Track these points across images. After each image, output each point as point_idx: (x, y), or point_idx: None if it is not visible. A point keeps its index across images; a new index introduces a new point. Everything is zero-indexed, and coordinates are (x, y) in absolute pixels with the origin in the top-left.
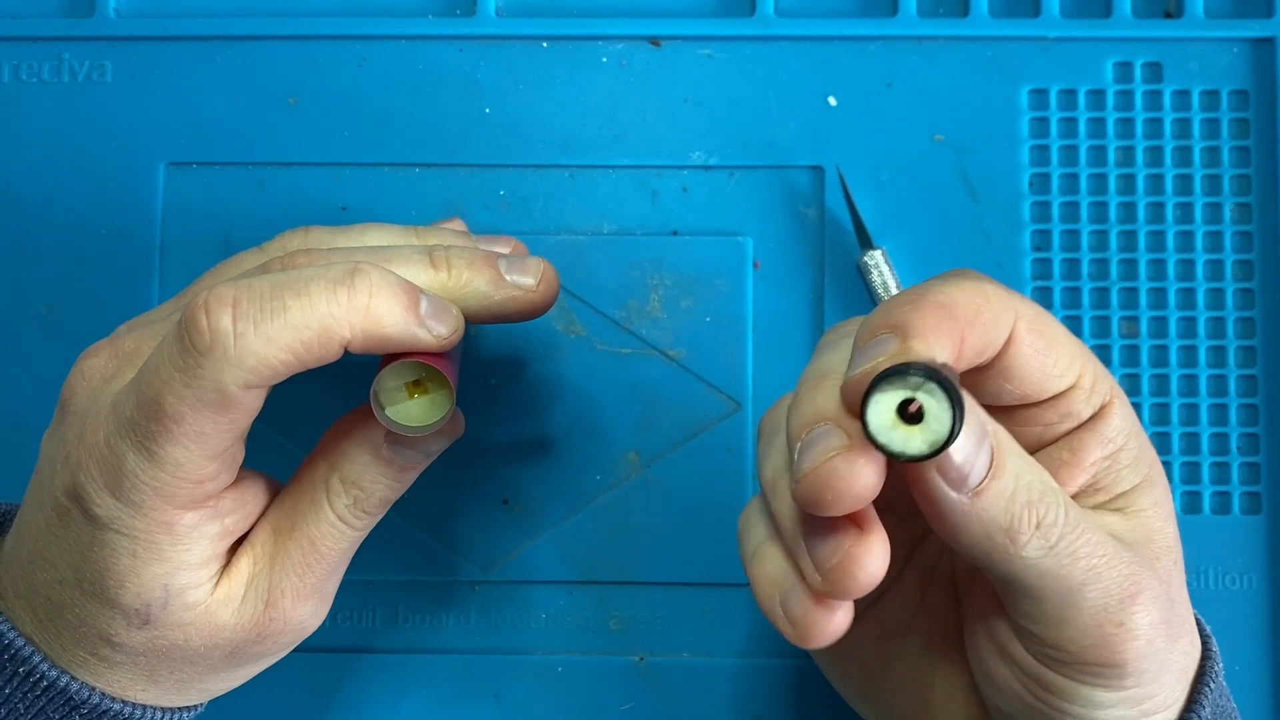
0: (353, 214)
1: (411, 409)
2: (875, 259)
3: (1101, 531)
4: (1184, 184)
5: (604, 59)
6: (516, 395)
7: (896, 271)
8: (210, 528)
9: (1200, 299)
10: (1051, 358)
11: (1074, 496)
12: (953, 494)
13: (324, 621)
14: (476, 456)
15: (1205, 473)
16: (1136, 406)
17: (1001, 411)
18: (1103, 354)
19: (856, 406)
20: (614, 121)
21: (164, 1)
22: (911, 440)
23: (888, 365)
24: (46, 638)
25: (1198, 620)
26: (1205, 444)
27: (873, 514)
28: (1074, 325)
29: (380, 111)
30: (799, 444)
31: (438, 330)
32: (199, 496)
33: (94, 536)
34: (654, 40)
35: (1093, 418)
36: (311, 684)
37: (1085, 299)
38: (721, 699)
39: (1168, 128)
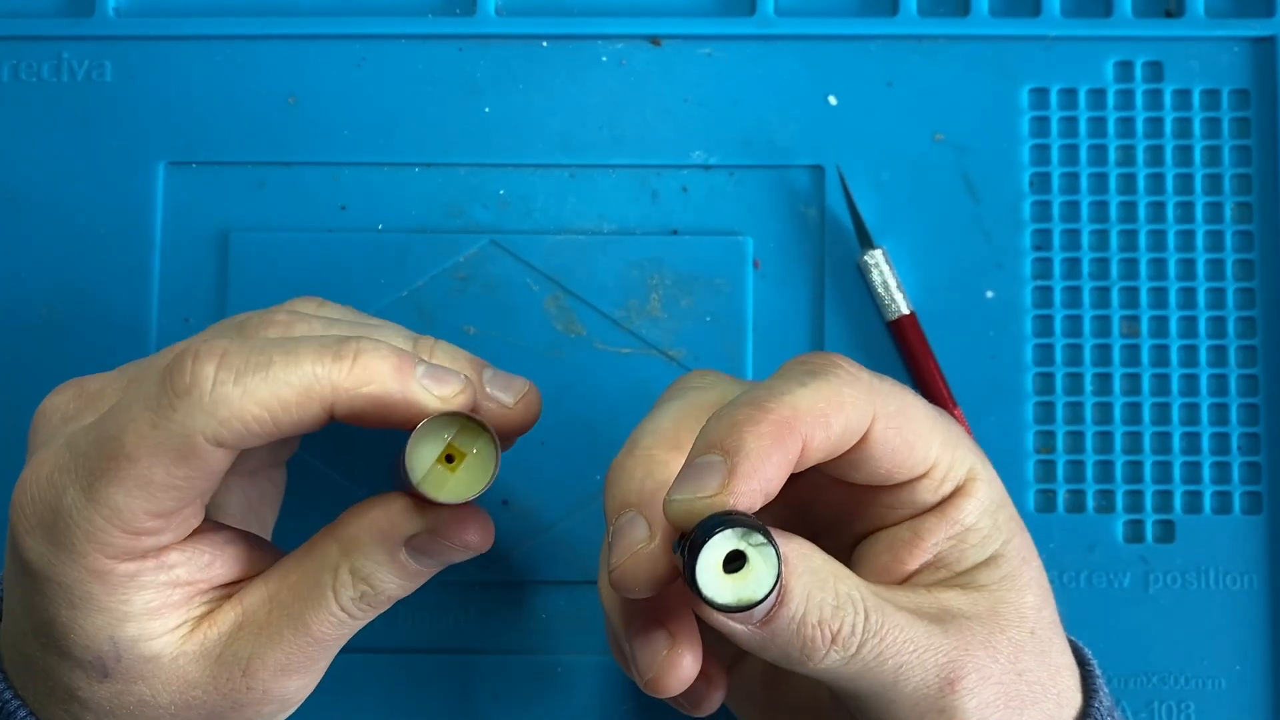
0: (352, 214)
1: (443, 480)
2: (875, 258)
3: (914, 625)
4: (1184, 183)
5: (604, 58)
6: None
7: (897, 271)
8: (152, 578)
9: (1201, 298)
10: (903, 454)
11: (913, 575)
12: (740, 627)
13: None
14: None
15: (1206, 472)
16: (1137, 406)
17: (841, 486)
18: (1103, 353)
19: (679, 525)
20: (614, 121)
21: (164, 1)
22: (723, 589)
23: (709, 512)
24: (26, 694)
25: (1086, 665)
26: (1206, 443)
27: (687, 619)
28: (1074, 325)
29: (380, 111)
30: (611, 528)
31: (439, 391)
32: (134, 550)
33: (33, 586)
34: (654, 40)
35: (942, 502)
36: None
37: (1086, 298)
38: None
39: (1168, 127)
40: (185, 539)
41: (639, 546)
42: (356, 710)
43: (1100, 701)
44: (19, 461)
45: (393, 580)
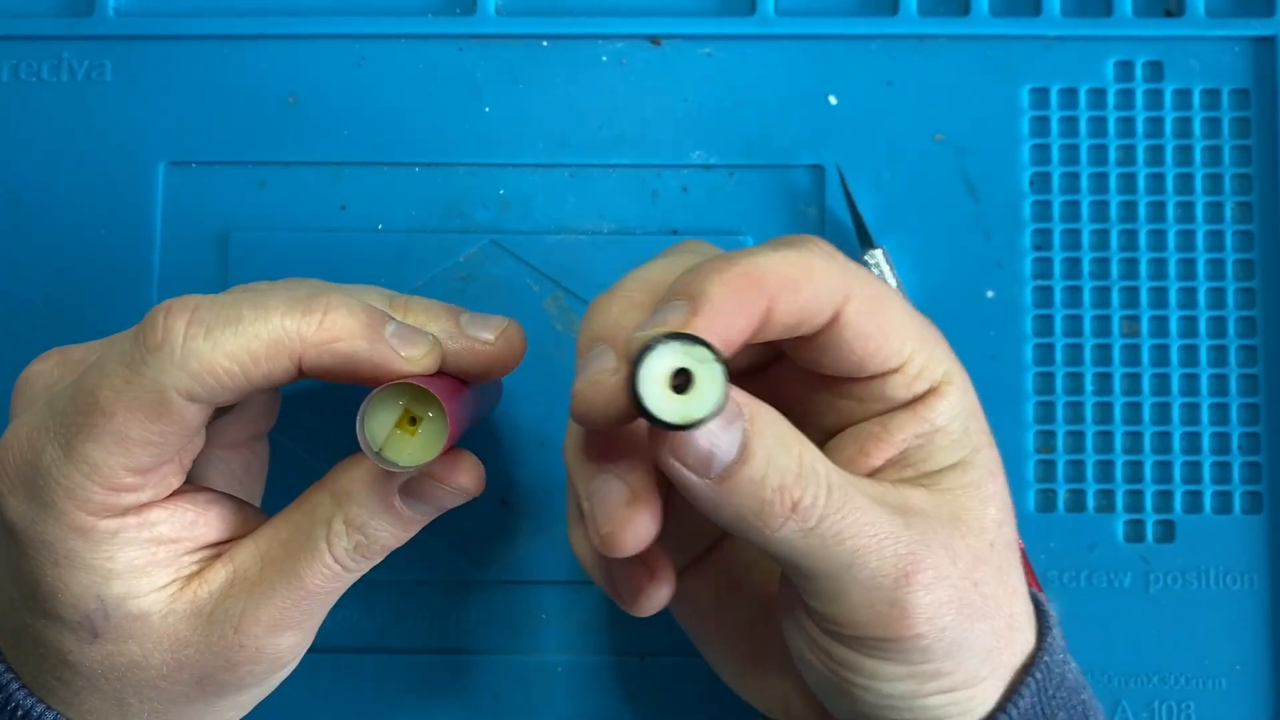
0: (352, 213)
1: (404, 444)
2: (876, 258)
3: (876, 510)
4: (1185, 183)
5: (604, 58)
6: (516, 395)
7: (897, 270)
8: (135, 535)
9: (1201, 298)
10: (876, 342)
11: (879, 469)
12: (695, 478)
13: (323, 622)
14: (476, 456)
15: (1206, 472)
16: (1137, 406)
17: (812, 378)
18: (1104, 353)
19: (633, 357)
20: (614, 121)
21: (163, 1)
22: (668, 406)
23: (661, 332)
24: (18, 665)
25: (1041, 607)
26: (1206, 443)
27: (648, 480)
28: (1075, 324)
29: (380, 111)
30: (580, 360)
31: (406, 352)
32: (114, 506)
33: (17, 548)
34: (654, 39)
35: (914, 400)
36: (311, 684)
37: (1086, 298)
38: (721, 699)
39: (1168, 127)
40: (167, 498)
41: (602, 376)
42: (356, 710)
43: (1052, 640)
44: None
45: (386, 529)
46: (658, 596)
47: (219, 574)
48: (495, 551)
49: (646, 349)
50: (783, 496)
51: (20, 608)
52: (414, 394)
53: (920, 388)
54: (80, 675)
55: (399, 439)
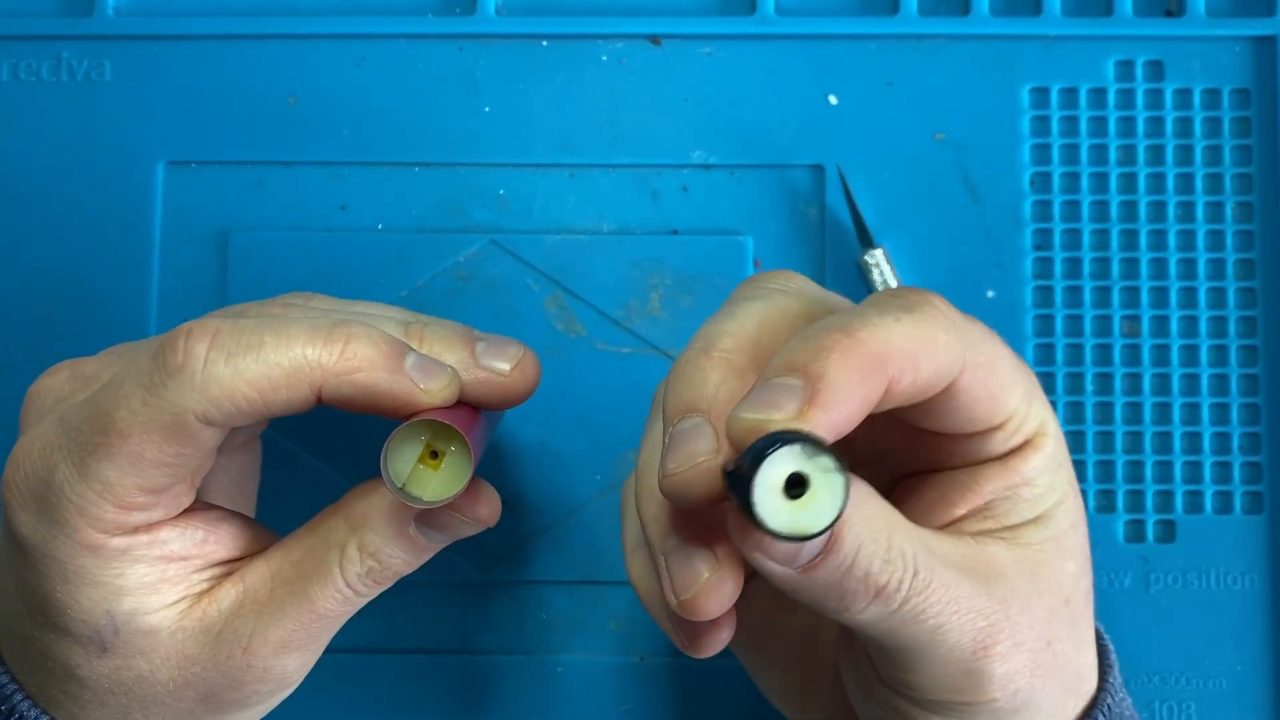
0: (352, 213)
1: (427, 479)
2: (876, 258)
3: (959, 584)
4: (1185, 183)
5: (603, 58)
6: None
7: (897, 270)
8: (147, 552)
9: (1202, 298)
10: (986, 406)
11: (961, 518)
12: (778, 567)
13: None
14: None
15: (1207, 472)
16: (1137, 406)
17: (902, 424)
18: (1104, 353)
19: (741, 444)
20: (614, 121)
21: (163, 1)
22: (780, 515)
23: (779, 429)
24: (24, 676)
25: (1102, 643)
26: (1207, 443)
27: (731, 543)
28: (1075, 324)
29: (380, 111)
30: (669, 431)
31: (426, 385)
32: (125, 525)
33: (26, 562)
34: (654, 39)
35: (1007, 453)
36: (311, 684)
37: (1087, 298)
38: (721, 699)
39: (1169, 126)
40: (177, 516)
41: (701, 459)
42: (356, 710)
43: (1113, 680)
44: None
45: (400, 556)
46: (718, 639)
47: (229, 593)
48: (495, 551)
49: (764, 452)
50: (868, 584)
51: (28, 620)
52: (436, 429)
53: (1016, 441)
54: (87, 689)
55: (422, 474)
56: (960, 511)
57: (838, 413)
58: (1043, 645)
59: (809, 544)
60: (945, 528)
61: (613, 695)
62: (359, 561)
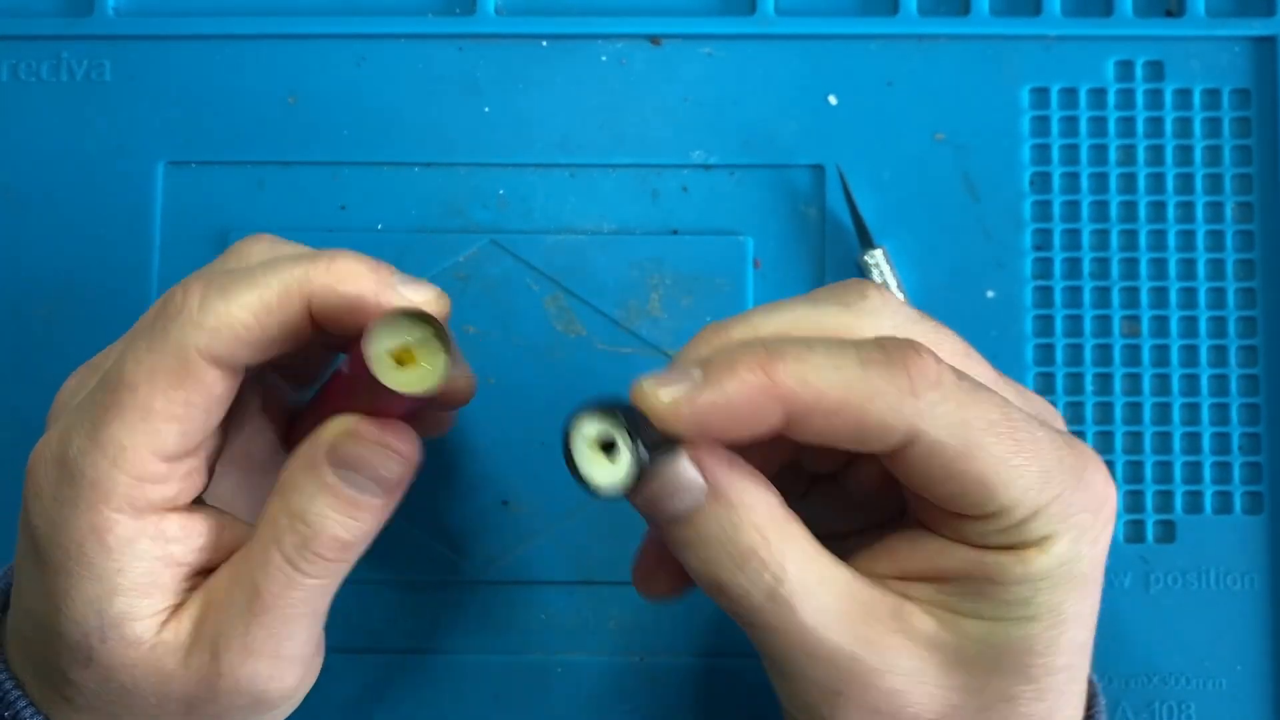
0: (352, 213)
1: (404, 376)
2: (876, 258)
3: (822, 628)
4: (1185, 183)
5: (604, 58)
6: (516, 395)
7: (897, 270)
8: (149, 548)
9: (1202, 298)
10: (950, 487)
11: (906, 578)
12: (654, 522)
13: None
14: (476, 456)
15: (1207, 472)
16: (1137, 406)
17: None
18: (1104, 353)
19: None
20: (614, 121)
21: (164, 1)
22: (588, 465)
23: (654, 412)
24: (26, 677)
25: (1093, 687)
26: (1207, 443)
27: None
28: (1075, 325)
29: (380, 111)
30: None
31: (413, 296)
32: (138, 501)
33: (35, 555)
34: (654, 39)
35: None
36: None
37: (1086, 298)
38: (721, 699)
39: (1169, 126)
40: (186, 508)
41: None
42: (356, 710)
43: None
44: (21, 460)
45: (329, 513)
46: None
47: (197, 601)
48: (495, 551)
49: (579, 410)
50: (713, 580)
51: (32, 619)
52: (420, 330)
53: (1009, 540)
54: (81, 695)
55: (392, 368)
56: (913, 571)
57: (709, 416)
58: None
59: (671, 508)
60: (890, 579)
61: (613, 695)
62: (290, 529)
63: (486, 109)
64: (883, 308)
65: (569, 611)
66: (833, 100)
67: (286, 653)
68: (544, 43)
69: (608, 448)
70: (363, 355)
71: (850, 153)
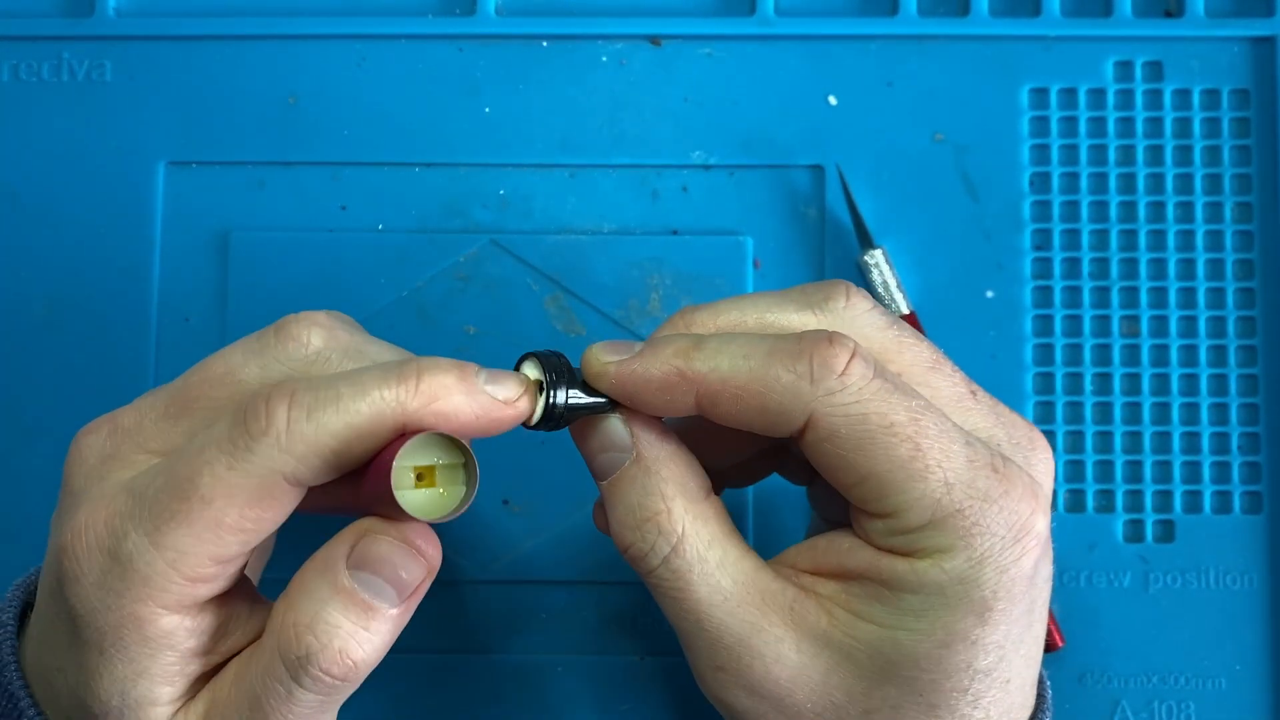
0: (352, 213)
1: (422, 499)
2: (875, 258)
3: (719, 601)
4: (1184, 183)
5: (604, 58)
6: None
7: (897, 270)
8: (183, 640)
9: (1201, 298)
10: (845, 476)
11: (816, 572)
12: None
13: None
14: (477, 456)
15: (1206, 472)
16: (1136, 406)
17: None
18: (1103, 353)
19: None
20: (614, 121)
21: (164, 1)
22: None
23: (591, 369)
24: (41, 690)
25: (1042, 681)
26: (1206, 443)
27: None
28: (1075, 325)
29: (380, 111)
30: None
31: (503, 394)
32: (184, 600)
33: (72, 630)
34: (654, 40)
35: (890, 550)
36: None
37: (1086, 298)
38: None
39: (1168, 127)
40: (224, 595)
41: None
42: (355, 710)
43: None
44: (22, 461)
45: (341, 622)
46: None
47: (204, 697)
48: (495, 551)
49: (521, 358)
50: (620, 536)
51: (62, 678)
52: (444, 447)
53: (902, 544)
54: None
55: (415, 492)
56: (825, 567)
57: (627, 383)
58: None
59: (594, 462)
60: (804, 572)
61: (613, 695)
62: (295, 641)
63: (486, 109)
64: (847, 311)
65: (569, 611)
66: (833, 100)
67: None
68: (544, 43)
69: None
70: (387, 467)
71: (850, 153)
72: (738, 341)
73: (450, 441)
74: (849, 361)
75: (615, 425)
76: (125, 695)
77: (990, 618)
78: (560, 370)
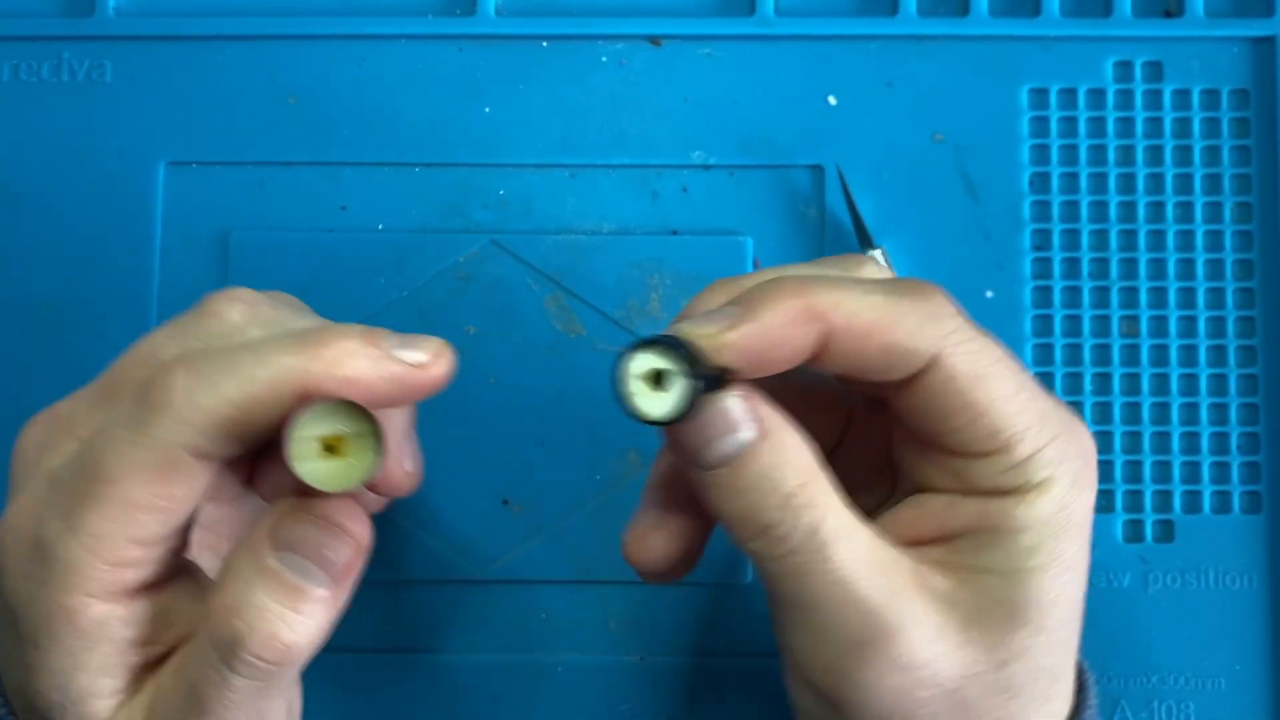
0: (352, 213)
1: (332, 468)
2: (875, 258)
3: (856, 574)
4: (1184, 183)
5: (604, 58)
6: (516, 395)
7: (897, 270)
8: (118, 629)
9: (1200, 298)
10: (965, 415)
11: (926, 542)
12: (690, 465)
13: None
14: (476, 456)
15: (1205, 472)
16: (1136, 406)
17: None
18: (1103, 353)
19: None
20: (614, 121)
21: (164, 1)
22: (639, 398)
23: (666, 336)
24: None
25: (1083, 675)
26: (1205, 443)
27: (671, 503)
28: (1074, 325)
29: (380, 111)
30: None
31: (414, 357)
32: (112, 585)
33: (10, 625)
34: (654, 40)
35: (996, 490)
36: (309, 684)
37: (1085, 298)
38: (721, 699)
39: (1168, 127)
40: (161, 584)
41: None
42: (354, 710)
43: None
44: None
45: (268, 604)
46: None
47: (148, 689)
48: (495, 551)
49: (632, 347)
50: (756, 516)
51: (14, 683)
52: (349, 413)
53: (1011, 481)
54: None
55: (319, 462)
56: (925, 534)
57: (752, 341)
58: (933, 688)
59: (711, 450)
60: (901, 546)
61: (613, 695)
62: (224, 624)
63: (486, 109)
64: (879, 274)
65: (569, 611)
66: (832, 101)
67: None
68: (544, 43)
69: (657, 381)
70: (286, 460)
71: (850, 153)
72: (848, 281)
73: (355, 409)
74: (953, 303)
75: (734, 404)
76: (65, 690)
77: (1084, 540)
78: (685, 353)
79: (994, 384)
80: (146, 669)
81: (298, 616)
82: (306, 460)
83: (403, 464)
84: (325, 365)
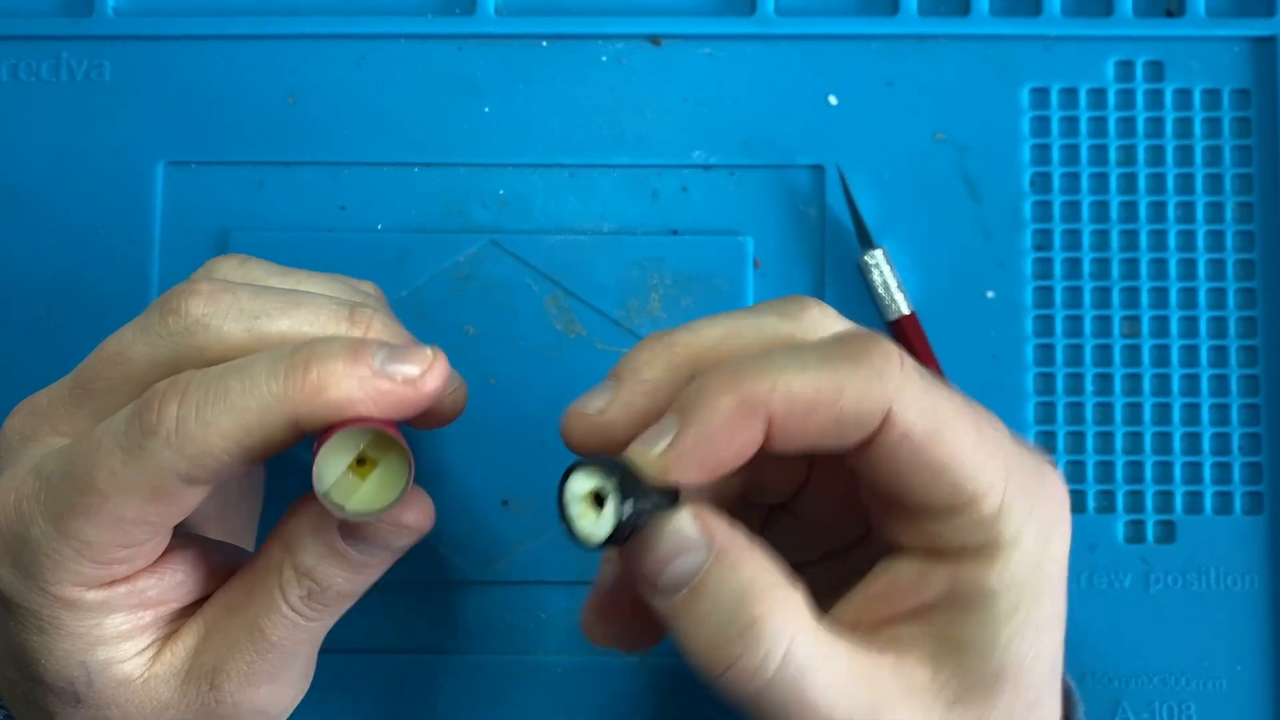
0: (352, 213)
1: (361, 490)
2: (876, 258)
3: (833, 700)
4: (1185, 183)
5: (604, 58)
6: (516, 395)
7: (897, 271)
8: (124, 601)
9: (1202, 298)
10: (925, 474)
11: (897, 617)
12: (650, 594)
13: None
14: (476, 456)
15: (1207, 473)
16: (1137, 406)
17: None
18: (1104, 353)
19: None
20: (614, 121)
21: (164, 1)
22: (578, 521)
23: (648, 472)
24: (20, 716)
25: (1068, 691)
26: (1207, 444)
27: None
28: (1075, 325)
29: (380, 111)
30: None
31: (405, 372)
32: (103, 578)
33: (4, 610)
34: (654, 39)
35: (966, 549)
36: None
37: (1086, 298)
38: (721, 699)
39: (1169, 127)
40: (155, 563)
41: (588, 407)
42: (354, 711)
43: None
44: None
45: (337, 573)
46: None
47: (192, 630)
48: (495, 551)
49: (571, 468)
50: (721, 652)
51: (10, 665)
52: (373, 436)
53: (979, 537)
54: None
55: (351, 483)
56: (899, 609)
57: (695, 454)
58: None
59: (668, 578)
60: (881, 624)
61: (613, 695)
62: (296, 584)
63: (486, 109)
64: (823, 318)
65: (569, 611)
66: (833, 100)
67: (287, 678)
68: (544, 43)
69: (601, 503)
70: (314, 487)
71: (850, 153)
72: (778, 355)
73: (377, 433)
74: (900, 354)
75: (684, 522)
76: (86, 665)
77: (1060, 592)
78: (630, 477)
79: (952, 437)
80: (173, 620)
81: (360, 578)
82: (334, 492)
83: (452, 385)
84: (311, 391)
